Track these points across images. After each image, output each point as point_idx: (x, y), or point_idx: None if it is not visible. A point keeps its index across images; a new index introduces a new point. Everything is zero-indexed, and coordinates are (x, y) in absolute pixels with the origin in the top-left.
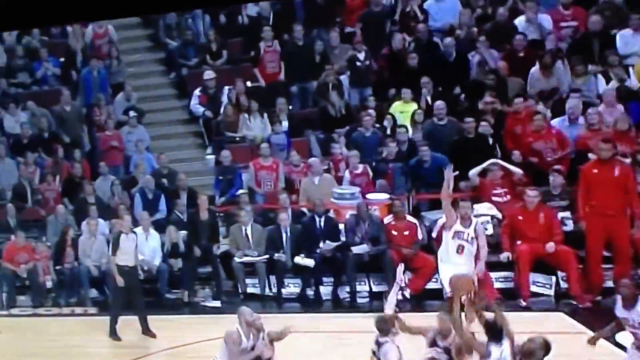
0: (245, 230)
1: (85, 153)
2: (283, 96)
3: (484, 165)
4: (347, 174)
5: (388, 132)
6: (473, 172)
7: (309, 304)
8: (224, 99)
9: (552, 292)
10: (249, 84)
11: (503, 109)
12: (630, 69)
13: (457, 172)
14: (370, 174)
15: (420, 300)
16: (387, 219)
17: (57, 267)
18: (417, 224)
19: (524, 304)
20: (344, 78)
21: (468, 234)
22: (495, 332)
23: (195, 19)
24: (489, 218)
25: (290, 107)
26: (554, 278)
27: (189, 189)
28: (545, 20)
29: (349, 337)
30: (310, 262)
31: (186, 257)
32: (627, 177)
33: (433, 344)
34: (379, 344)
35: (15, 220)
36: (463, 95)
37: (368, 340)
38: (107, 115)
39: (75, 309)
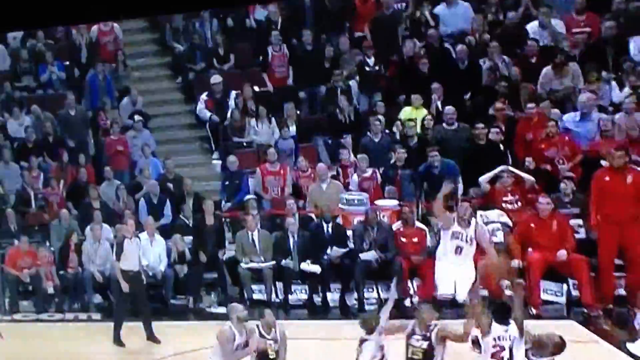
0: (252, 236)
1: (91, 157)
2: (291, 101)
3: (495, 171)
4: (355, 177)
5: (397, 137)
6: (483, 178)
7: (316, 310)
8: (231, 103)
9: (563, 299)
10: (256, 88)
11: (515, 116)
12: None
13: (460, 184)
14: (379, 179)
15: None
16: (396, 226)
17: (61, 273)
18: (427, 230)
19: (534, 311)
20: (353, 83)
21: (466, 235)
22: (502, 312)
23: (202, 23)
24: (499, 225)
25: (299, 112)
26: (565, 286)
27: (195, 194)
28: (559, 25)
29: (356, 344)
30: (316, 269)
31: (192, 262)
32: (639, 185)
33: (412, 334)
34: (361, 342)
35: (16, 225)
36: (469, 96)
37: None
38: (113, 120)
39: (79, 315)
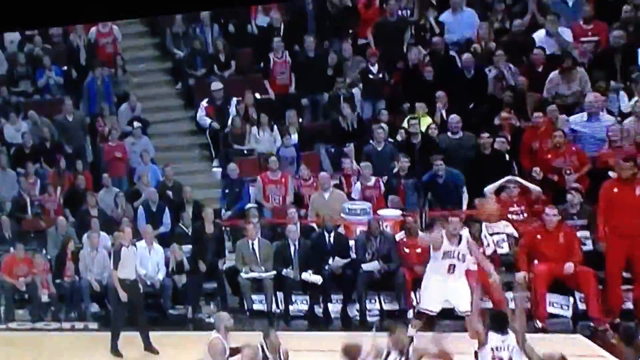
0: (253, 245)
1: (88, 164)
2: (293, 108)
3: (501, 182)
4: (358, 185)
5: (401, 139)
6: (489, 188)
7: (318, 321)
8: (232, 110)
9: (569, 313)
10: (257, 95)
11: (521, 125)
12: None
13: (465, 194)
14: (383, 188)
15: (431, 319)
16: (399, 236)
17: (58, 281)
18: None
19: (540, 325)
20: (356, 91)
21: (458, 252)
22: (499, 321)
23: (203, 29)
24: (504, 236)
25: (301, 120)
26: (571, 299)
27: (194, 202)
28: (566, 34)
29: None
30: (317, 279)
31: (191, 272)
32: None
33: (387, 356)
34: None
35: (11, 232)
36: (474, 105)
37: None
38: (111, 126)
39: (75, 324)
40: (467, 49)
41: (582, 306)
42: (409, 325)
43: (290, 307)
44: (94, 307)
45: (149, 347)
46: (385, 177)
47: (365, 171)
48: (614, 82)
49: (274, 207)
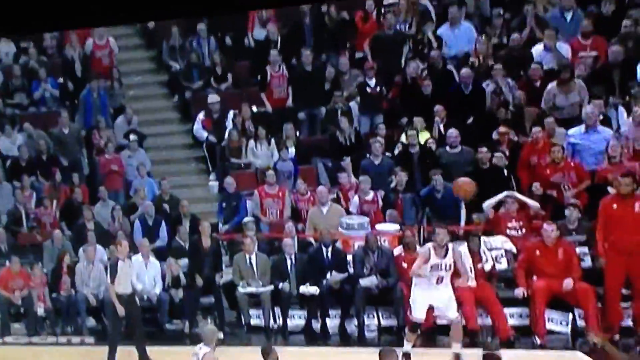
0: (250, 259)
1: (84, 177)
2: (291, 122)
3: (499, 197)
4: (355, 199)
5: (399, 150)
6: (487, 204)
7: (315, 337)
8: (229, 123)
9: (568, 329)
10: (254, 108)
11: (519, 140)
12: None
13: (462, 209)
14: (381, 202)
15: (431, 334)
16: (397, 251)
17: (54, 295)
18: None
19: (539, 341)
20: (354, 104)
21: (445, 264)
22: None
23: (199, 41)
24: (503, 252)
25: (298, 134)
26: (570, 315)
27: (191, 215)
28: (564, 49)
29: None
30: (314, 290)
31: (188, 286)
32: None
33: None
34: None
35: (7, 245)
36: (472, 120)
37: None
38: (107, 139)
39: (72, 338)
40: (465, 63)
41: (581, 322)
42: (405, 340)
43: (288, 322)
44: (91, 322)
45: None
46: (383, 192)
47: (363, 185)
48: (612, 97)
49: (271, 221)
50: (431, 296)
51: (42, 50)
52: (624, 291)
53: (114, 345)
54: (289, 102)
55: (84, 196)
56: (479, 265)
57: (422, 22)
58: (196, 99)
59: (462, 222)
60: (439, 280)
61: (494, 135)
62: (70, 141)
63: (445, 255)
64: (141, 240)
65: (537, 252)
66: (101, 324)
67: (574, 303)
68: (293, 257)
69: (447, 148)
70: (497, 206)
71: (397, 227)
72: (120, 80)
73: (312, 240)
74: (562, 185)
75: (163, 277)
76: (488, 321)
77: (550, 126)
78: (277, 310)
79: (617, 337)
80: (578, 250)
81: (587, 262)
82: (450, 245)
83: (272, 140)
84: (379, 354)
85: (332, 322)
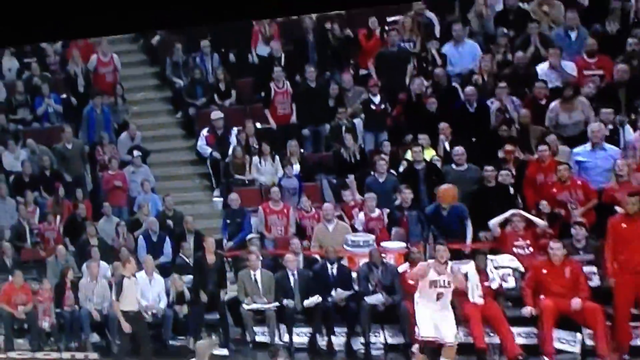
0: (255, 276)
1: (88, 193)
2: (295, 138)
3: (505, 215)
4: (361, 216)
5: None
6: (493, 222)
7: (321, 354)
8: (232, 140)
9: (577, 349)
10: (258, 125)
11: (525, 158)
12: None
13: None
14: (386, 220)
15: (435, 352)
16: (403, 268)
17: (57, 310)
18: None
19: None
20: (358, 121)
21: (444, 280)
22: None
23: (203, 57)
24: (510, 270)
25: (302, 150)
26: (579, 335)
27: (195, 232)
28: (569, 67)
29: None
30: (316, 298)
31: (192, 302)
32: None
33: None
34: None
35: (12, 260)
36: (477, 138)
37: None
38: (111, 154)
39: (75, 354)
40: (470, 81)
41: (590, 342)
42: (412, 359)
43: (294, 339)
44: (94, 337)
45: None
46: (387, 210)
47: (369, 202)
48: (618, 116)
49: (275, 237)
50: (434, 315)
51: (45, 66)
52: (633, 311)
53: None
54: (293, 118)
55: (88, 212)
56: (486, 284)
57: (426, 39)
58: (200, 115)
59: (469, 240)
60: (440, 296)
61: (500, 154)
62: (73, 157)
63: (444, 272)
64: (145, 256)
65: (544, 271)
66: (105, 340)
67: (582, 322)
68: (296, 273)
69: (453, 165)
70: (503, 224)
71: (402, 244)
72: (124, 96)
73: (317, 257)
74: (568, 204)
75: (167, 294)
76: (495, 340)
77: (553, 144)
78: (283, 327)
79: (626, 357)
80: (586, 269)
81: (595, 282)
82: (450, 263)
83: (277, 157)
84: None
85: (338, 340)
